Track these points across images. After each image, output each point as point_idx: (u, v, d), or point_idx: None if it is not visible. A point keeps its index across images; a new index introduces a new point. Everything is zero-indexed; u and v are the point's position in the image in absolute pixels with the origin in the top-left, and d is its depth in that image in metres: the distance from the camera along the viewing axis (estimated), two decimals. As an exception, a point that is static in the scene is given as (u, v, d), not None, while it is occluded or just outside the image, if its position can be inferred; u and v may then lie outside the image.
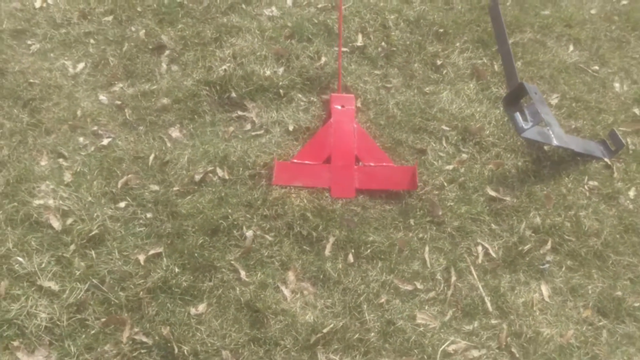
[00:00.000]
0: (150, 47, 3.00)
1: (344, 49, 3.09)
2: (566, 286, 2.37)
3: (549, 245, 2.46)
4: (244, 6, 3.25)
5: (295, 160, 2.55)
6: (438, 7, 3.43)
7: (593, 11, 3.57)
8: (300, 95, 2.87)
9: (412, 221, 2.47)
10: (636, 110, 3.02)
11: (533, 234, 2.49)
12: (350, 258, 2.33)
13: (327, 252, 2.34)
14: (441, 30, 3.25)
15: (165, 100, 2.77)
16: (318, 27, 3.18)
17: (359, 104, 2.85)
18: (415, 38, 3.21)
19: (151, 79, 2.87)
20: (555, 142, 2.64)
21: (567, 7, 3.56)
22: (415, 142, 2.75)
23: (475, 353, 2.14)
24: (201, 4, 3.22)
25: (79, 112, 2.69)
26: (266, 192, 2.47)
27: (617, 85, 3.15)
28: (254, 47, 3.01)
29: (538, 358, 2.16)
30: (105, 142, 2.59)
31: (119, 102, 2.76)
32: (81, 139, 2.60)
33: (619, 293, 2.35)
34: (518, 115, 2.56)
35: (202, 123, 2.73)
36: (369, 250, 2.35)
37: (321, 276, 2.28)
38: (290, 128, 2.73)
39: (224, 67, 2.90)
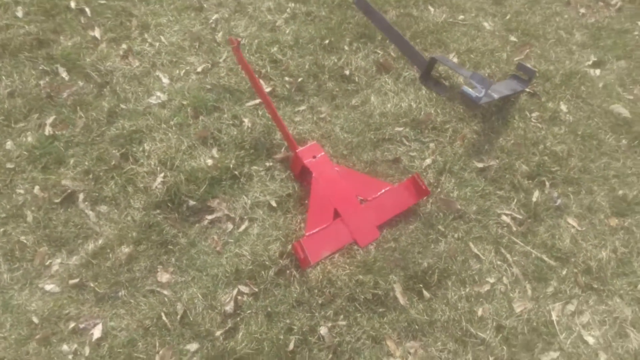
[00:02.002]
0: (57, 200, 2.41)
1: (257, 101, 2.85)
2: (583, 209, 2.57)
3: (547, 184, 2.64)
4: (124, 106, 2.78)
5: (309, 233, 2.31)
6: (303, 20, 3.34)
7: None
8: (255, 167, 2.59)
9: (440, 227, 2.44)
10: (512, 37, 3.35)
11: (530, 181, 2.64)
12: (426, 294, 2.22)
13: (402, 302, 2.19)
14: (325, 42, 3.19)
15: (125, 249, 2.27)
16: (215, 91, 2.88)
17: (312, 146, 2.68)
18: (308, 59, 3.10)
19: (89, 234, 2.32)
20: (496, 96, 2.78)
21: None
22: (384, 154, 2.69)
23: (574, 307, 2.23)
24: (76, 127, 2.68)
25: (34, 319, 2.08)
26: (304, 280, 2.21)
27: (486, 24, 3.43)
28: (173, 143, 2.61)
29: (612, 279, 2.33)
30: (96, 333, 2.05)
31: (74, 281, 2.19)
32: (65, 347, 2.02)
33: (620, 192, 2.62)
34: (466, 88, 2.64)
35: (181, 250, 2.31)
36: (435, 277, 2.26)
37: (415, 326, 2.14)
38: (274, 204, 2.46)
39: (159, 180, 2.47)
